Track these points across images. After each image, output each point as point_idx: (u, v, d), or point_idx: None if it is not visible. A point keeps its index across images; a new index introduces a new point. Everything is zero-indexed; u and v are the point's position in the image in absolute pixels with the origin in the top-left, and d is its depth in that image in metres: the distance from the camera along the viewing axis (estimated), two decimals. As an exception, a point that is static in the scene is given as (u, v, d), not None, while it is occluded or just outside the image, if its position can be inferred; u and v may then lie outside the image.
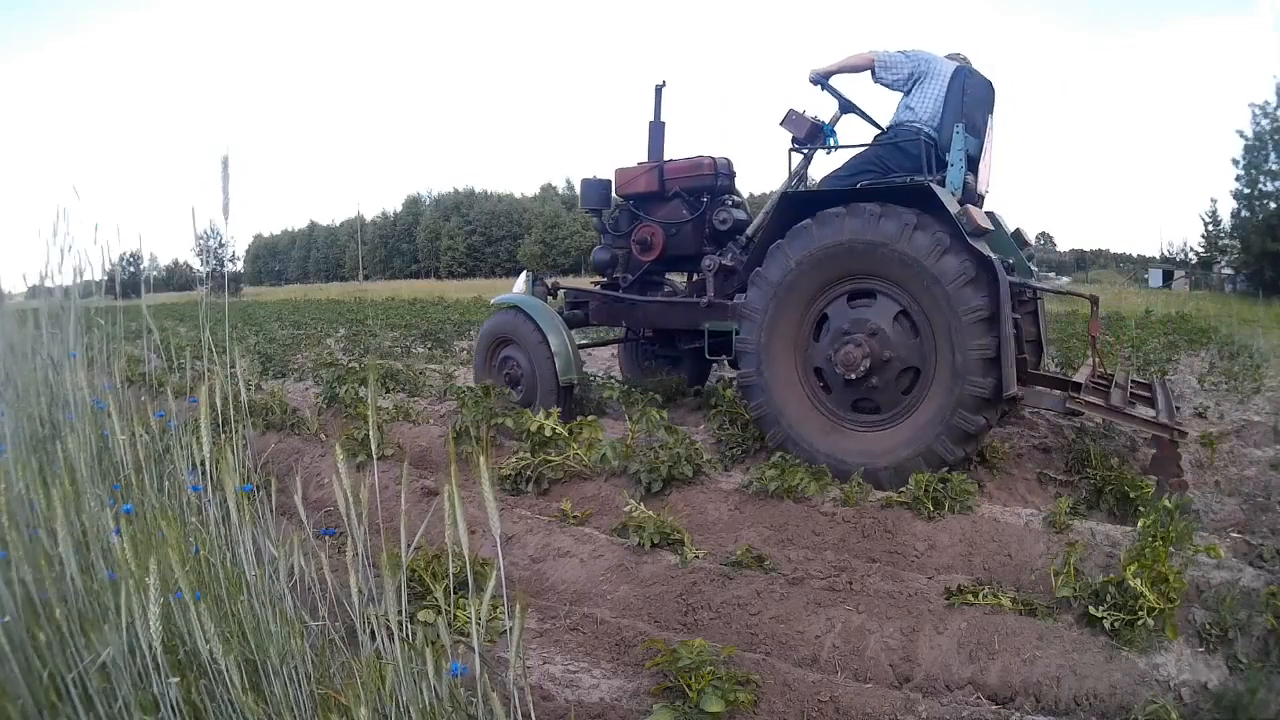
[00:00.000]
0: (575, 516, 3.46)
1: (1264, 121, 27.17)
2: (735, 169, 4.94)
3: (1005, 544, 2.95)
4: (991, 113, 4.28)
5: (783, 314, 3.87)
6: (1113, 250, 70.53)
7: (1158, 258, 40.86)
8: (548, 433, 3.93)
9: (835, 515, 3.25)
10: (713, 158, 4.87)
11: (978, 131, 4.04)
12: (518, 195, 72.88)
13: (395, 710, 1.37)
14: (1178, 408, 4.16)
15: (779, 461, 3.50)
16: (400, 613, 1.39)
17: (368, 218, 75.33)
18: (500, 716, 1.22)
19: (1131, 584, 2.29)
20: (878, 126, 4.42)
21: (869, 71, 4.20)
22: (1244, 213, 28.26)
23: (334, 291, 39.79)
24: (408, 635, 1.37)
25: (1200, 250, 34.40)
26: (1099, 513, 3.33)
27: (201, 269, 10.60)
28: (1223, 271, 32.46)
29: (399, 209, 75.69)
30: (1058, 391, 3.80)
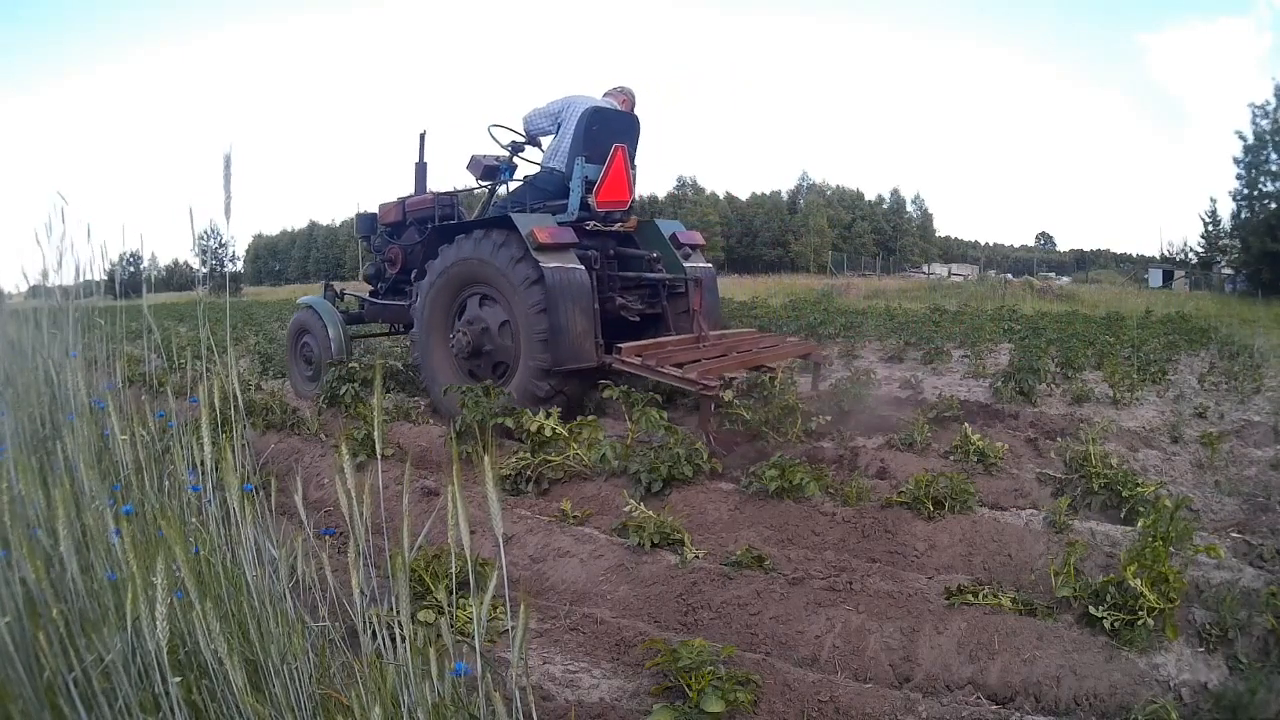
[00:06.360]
0: (575, 516, 3.46)
1: (1263, 122, 27.18)
2: (456, 201, 6.21)
3: (1005, 544, 2.95)
4: (633, 141, 5.51)
5: (434, 315, 5.29)
6: (1113, 250, 70.67)
7: (1158, 258, 40.72)
8: (548, 433, 3.93)
9: (835, 515, 3.24)
10: (434, 193, 6.18)
11: (601, 158, 5.17)
12: (517, 195, 72.51)
13: (398, 710, 1.37)
14: (767, 373, 4.71)
15: (779, 461, 3.50)
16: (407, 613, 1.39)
17: (367, 218, 74.96)
18: (503, 717, 1.23)
19: (1131, 584, 2.29)
20: (538, 165, 5.60)
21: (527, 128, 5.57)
22: (1244, 213, 28.21)
23: (334, 291, 39.49)
24: (411, 635, 1.36)
25: (1200, 250, 34.29)
26: (1090, 510, 3.33)
27: (201, 269, 10.59)
28: (1223, 271, 32.40)
29: (399, 209, 75.32)
30: (637, 359, 4.47)
